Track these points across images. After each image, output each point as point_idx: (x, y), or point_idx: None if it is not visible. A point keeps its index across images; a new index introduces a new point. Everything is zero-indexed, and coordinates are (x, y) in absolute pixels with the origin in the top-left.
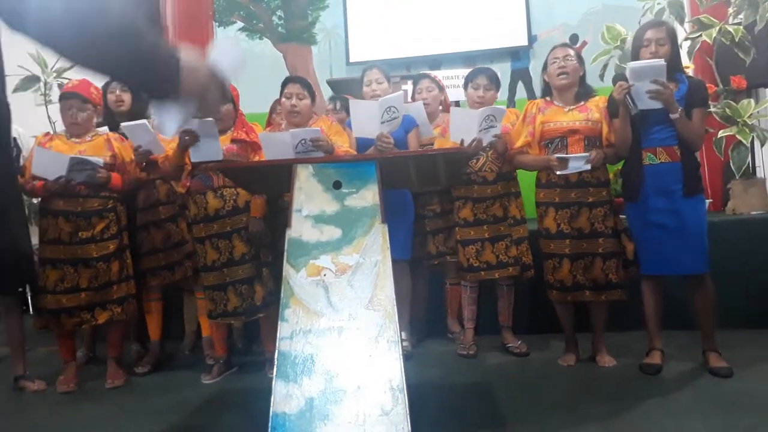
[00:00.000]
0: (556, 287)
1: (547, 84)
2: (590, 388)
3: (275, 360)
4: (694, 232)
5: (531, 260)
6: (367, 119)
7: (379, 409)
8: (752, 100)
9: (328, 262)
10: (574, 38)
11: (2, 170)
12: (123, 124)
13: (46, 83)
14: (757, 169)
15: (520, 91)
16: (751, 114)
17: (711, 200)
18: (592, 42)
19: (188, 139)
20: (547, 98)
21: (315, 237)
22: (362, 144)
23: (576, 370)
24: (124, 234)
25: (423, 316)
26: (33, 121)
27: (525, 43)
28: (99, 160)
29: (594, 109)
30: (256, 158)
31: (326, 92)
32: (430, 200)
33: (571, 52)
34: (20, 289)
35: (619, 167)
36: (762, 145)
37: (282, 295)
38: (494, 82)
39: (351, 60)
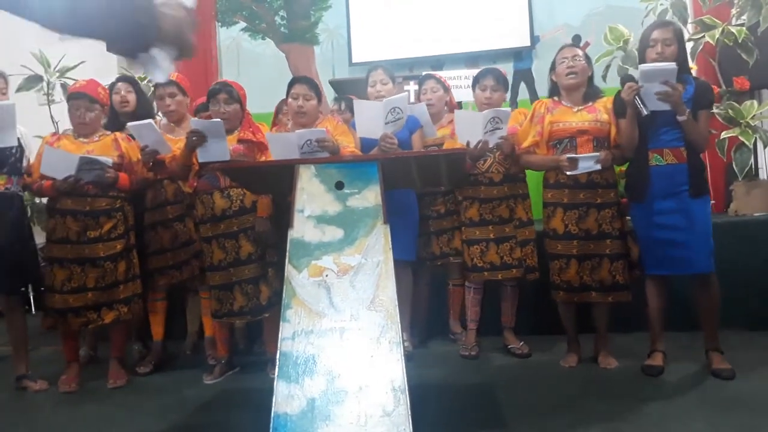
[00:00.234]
0: (562, 288)
1: (554, 84)
2: (592, 390)
3: (277, 360)
4: (701, 232)
5: (536, 262)
6: (371, 119)
7: (381, 409)
8: (755, 102)
9: (330, 263)
10: (576, 39)
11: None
12: (129, 124)
13: (49, 83)
14: (760, 171)
15: (523, 92)
16: (754, 115)
17: (713, 201)
18: (594, 43)
19: (196, 139)
20: (555, 98)
21: (317, 237)
22: (366, 144)
23: (577, 372)
24: (131, 234)
25: (425, 317)
26: (36, 121)
27: (528, 43)
28: (108, 159)
29: (602, 110)
30: (263, 158)
31: (328, 92)
32: (434, 201)
33: (580, 52)
34: (23, 289)
35: (622, 168)
36: (765, 146)
37: (284, 295)
38: (501, 82)
39: (354, 60)
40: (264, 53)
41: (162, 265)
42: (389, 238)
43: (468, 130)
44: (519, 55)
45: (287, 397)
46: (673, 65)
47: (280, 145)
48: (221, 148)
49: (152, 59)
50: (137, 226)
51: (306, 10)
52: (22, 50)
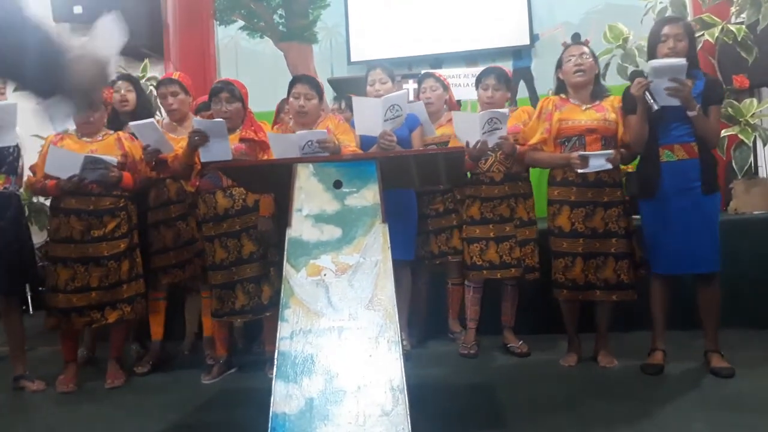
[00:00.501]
0: (567, 286)
1: (561, 81)
2: (591, 389)
3: (275, 360)
4: (709, 230)
5: (536, 262)
6: (370, 117)
7: (380, 409)
8: (755, 100)
9: (328, 262)
10: (576, 37)
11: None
12: (131, 123)
13: None
14: (760, 169)
15: (522, 91)
16: (753, 113)
17: None
18: (594, 41)
19: (198, 139)
20: (563, 96)
21: (315, 236)
22: (366, 142)
23: (577, 371)
24: (135, 233)
25: (424, 316)
26: (32, 121)
27: (527, 42)
28: (112, 159)
29: (610, 109)
30: (265, 157)
31: (327, 91)
32: (433, 200)
33: (587, 50)
34: (20, 288)
35: (626, 168)
36: (764, 144)
37: (282, 294)
38: (503, 81)
39: (352, 59)
40: (262, 52)
41: (165, 264)
42: (388, 237)
43: (466, 130)
44: (518, 53)
45: (285, 397)
46: (682, 61)
47: (281, 146)
48: (223, 148)
49: (54, 106)
50: (140, 225)
51: (304, 8)
52: None
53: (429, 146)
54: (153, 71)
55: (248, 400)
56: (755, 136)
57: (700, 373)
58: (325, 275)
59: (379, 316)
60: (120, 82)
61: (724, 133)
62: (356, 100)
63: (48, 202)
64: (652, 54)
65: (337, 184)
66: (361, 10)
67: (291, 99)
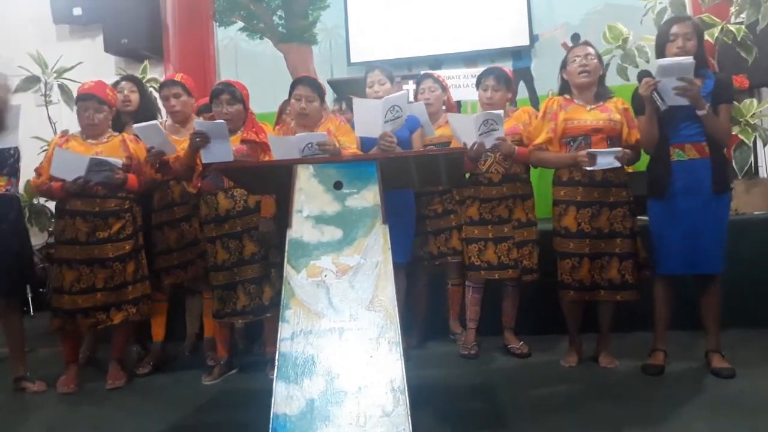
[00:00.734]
0: (574, 287)
1: (565, 82)
2: (592, 389)
3: (276, 361)
4: (718, 230)
5: (534, 264)
6: (370, 118)
7: (380, 410)
8: (755, 100)
9: (328, 263)
10: (575, 38)
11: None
12: (135, 125)
13: (46, 84)
14: (760, 169)
15: (522, 91)
16: (753, 114)
17: None
18: (593, 41)
19: (199, 140)
20: (567, 96)
21: (316, 237)
22: (366, 143)
23: (578, 371)
24: (140, 234)
25: (424, 317)
26: (33, 122)
27: (526, 42)
28: (117, 161)
29: (614, 110)
30: (266, 158)
31: (327, 92)
32: (432, 200)
33: (592, 50)
34: (21, 290)
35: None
36: (765, 144)
37: (283, 295)
38: (503, 82)
39: (352, 60)
40: (262, 53)
41: (168, 264)
42: (388, 238)
43: (462, 132)
44: (518, 54)
45: (286, 398)
46: (690, 59)
47: (281, 148)
48: (224, 149)
49: None
50: (144, 226)
51: (304, 9)
52: (20, 51)
53: (428, 147)
54: (153, 73)
55: (249, 401)
56: (755, 136)
57: (701, 374)
58: (325, 276)
59: (379, 316)
60: (123, 83)
61: None
62: (356, 102)
63: (49, 204)
64: (660, 53)
65: (338, 185)
66: (360, 11)
67: (292, 101)
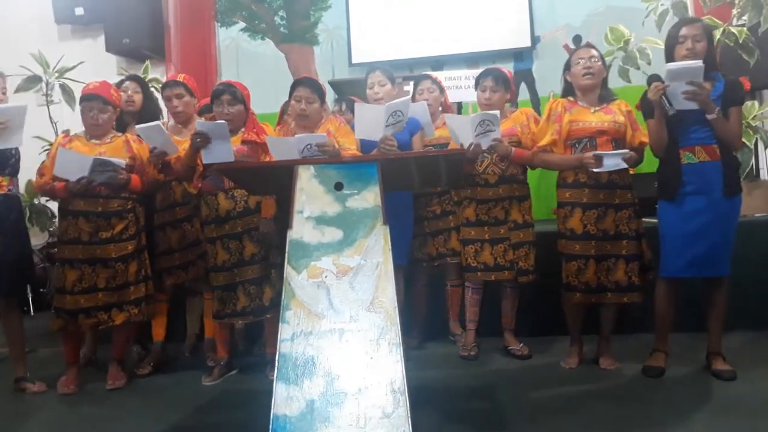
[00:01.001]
0: (580, 289)
1: (568, 84)
2: (592, 391)
3: (276, 362)
4: (727, 233)
5: (530, 265)
6: (372, 122)
7: (381, 411)
8: (756, 102)
9: (329, 264)
10: (577, 39)
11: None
12: (137, 126)
13: (47, 83)
14: (761, 171)
15: (523, 93)
16: (755, 116)
17: None
18: (595, 43)
19: (199, 141)
20: (571, 98)
21: (316, 238)
22: (365, 145)
23: (578, 373)
24: (142, 235)
25: (424, 318)
26: (34, 122)
27: (528, 44)
28: (121, 161)
29: (618, 112)
30: (267, 159)
31: (328, 93)
32: (430, 201)
33: (596, 53)
34: (21, 290)
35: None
36: (766, 147)
37: (283, 296)
38: (501, 83)
39: (353, 61)
40: (263, 53)
41: (169, 265)
42: (389, 239)
43: (459, 133)
44: (519, 55)
45: (286, 399)
46: (699, 63)
47: (281, 149)
48: (225, 150)
49: None
50: (146, 226)
51: (306, 10)
52: (22, 51)
53: (427, 148)
54: (154, 73)
55: (249, 401)
56: (756, 138)
57: (702, 376)
58: (326, 277)
59: (379, 318)
60: (128, 83)
61: None
62: (358, 107)
63: (50, 204)
64: (669, 55)
65: (338, 186)
66: (362, 11)
67: (292, 102)
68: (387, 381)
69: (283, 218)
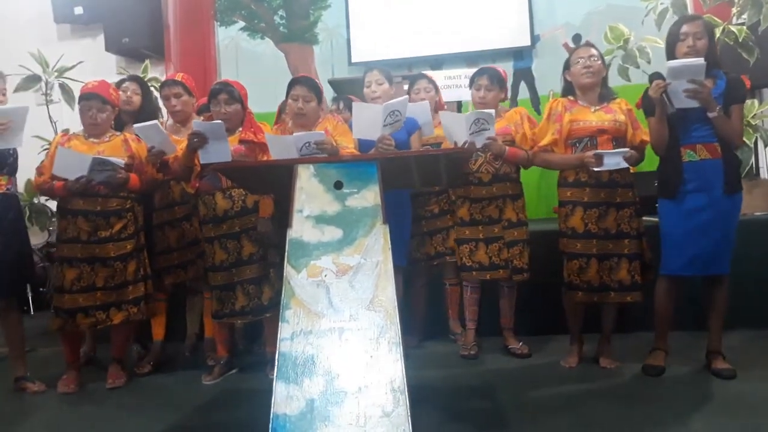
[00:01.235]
0: (582, 288)
1: (568, 83)
2: (592, 390)
3: (276, 361)
4: (727, 231)
5: (524, 263)
6: (369, 122)
7: (380, 410)
8: (756, 101)
9: (329, 263)
10: (577, 38)
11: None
12: (135, 125)
13: (47, 83)
14: (761, 170)
15: (523, 92)
16: (754, 114)
17: None
18: (595, 42)
19: (197, 141)
20: (571, 97)
21: (316, 237)
22: (363, 144)
23: (578, 372)
24: (141, 234)
25: (423, 318)
26: (34, 121)
27: (527, 42)
28: (120, 161)
29: (618, 111)
30: (265, 158)
31: (327, 92)
32: (428, 201)
33: (596, 52)
34: (20, 289)
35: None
36: (766, 145)
37: (283, 295)
38: (495, 81)
39: (353, 60)
40: (263, 53)
41: (168, 264)
42: (389, 238)
43: (453, 130)
44: (519, 54)
45: (286, 398)
46: (701, 61)
47: (279, 147)
48: (222, 149)
49: None
50: (145, 226)
51: (305, 9)
52: (21, 50)
53: (425, 147)
54: (153, 72)
55: (249, 401)
56: (756, 137)
57: (702, 375)
58: (325, 276)
59: (379, 317)
60: (128, 83)
61: None
62: (356, 106)
63: (49, 203)
64: (670, 53)
65: (338, 185)
66: (362, 11)
67: (289, 101)
68: (387, 380)
69: (281, 217)
